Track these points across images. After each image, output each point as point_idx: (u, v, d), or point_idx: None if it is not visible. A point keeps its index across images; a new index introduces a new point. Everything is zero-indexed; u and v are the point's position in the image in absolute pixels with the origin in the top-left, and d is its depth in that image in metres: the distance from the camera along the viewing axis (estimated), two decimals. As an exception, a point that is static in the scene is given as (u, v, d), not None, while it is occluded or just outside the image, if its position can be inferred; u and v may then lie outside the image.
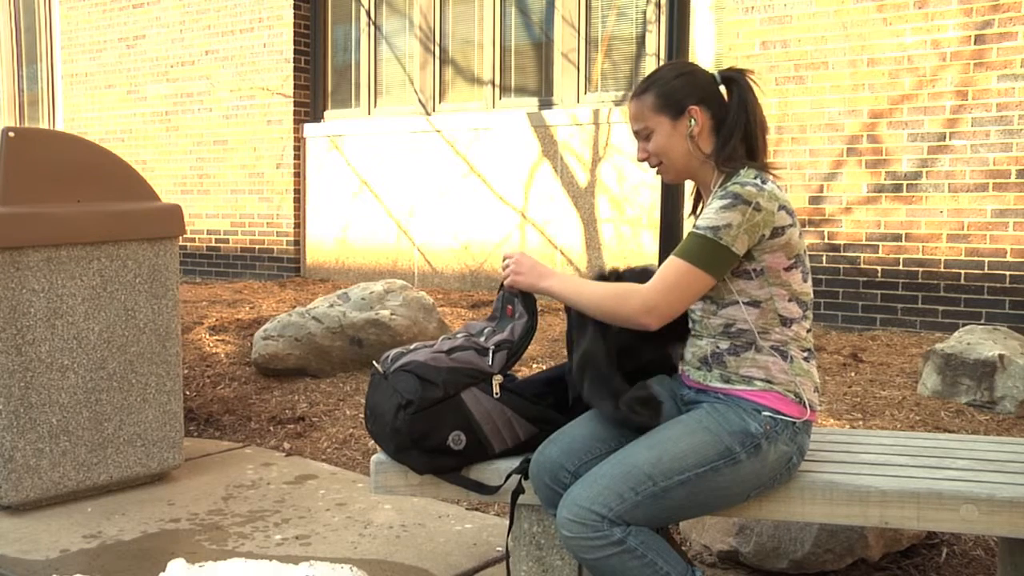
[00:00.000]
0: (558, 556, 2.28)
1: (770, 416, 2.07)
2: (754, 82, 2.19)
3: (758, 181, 2.08)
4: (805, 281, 2.14)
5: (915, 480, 2.12)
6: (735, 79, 2.18)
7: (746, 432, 2.05)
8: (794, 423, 2.09)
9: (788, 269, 2.10)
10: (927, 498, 2.06)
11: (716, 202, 2.05)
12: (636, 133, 2.21)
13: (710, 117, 2.17)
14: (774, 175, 2.18)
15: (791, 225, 2.08)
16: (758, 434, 2.05)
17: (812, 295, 2.18)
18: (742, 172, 2.12)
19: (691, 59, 5.74)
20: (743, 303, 2.10)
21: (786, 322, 2.11)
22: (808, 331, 2.16)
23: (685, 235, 2.10)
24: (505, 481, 2.25)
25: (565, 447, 2.14)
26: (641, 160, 2.23)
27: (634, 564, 1.99)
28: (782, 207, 2.07)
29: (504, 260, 2.30)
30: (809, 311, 2.16)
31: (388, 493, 2.36)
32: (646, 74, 2.21)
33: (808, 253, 2.17)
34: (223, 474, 3.69)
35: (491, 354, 2.31)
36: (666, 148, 2.18)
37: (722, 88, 2.20)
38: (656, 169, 2.23)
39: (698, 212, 2.28)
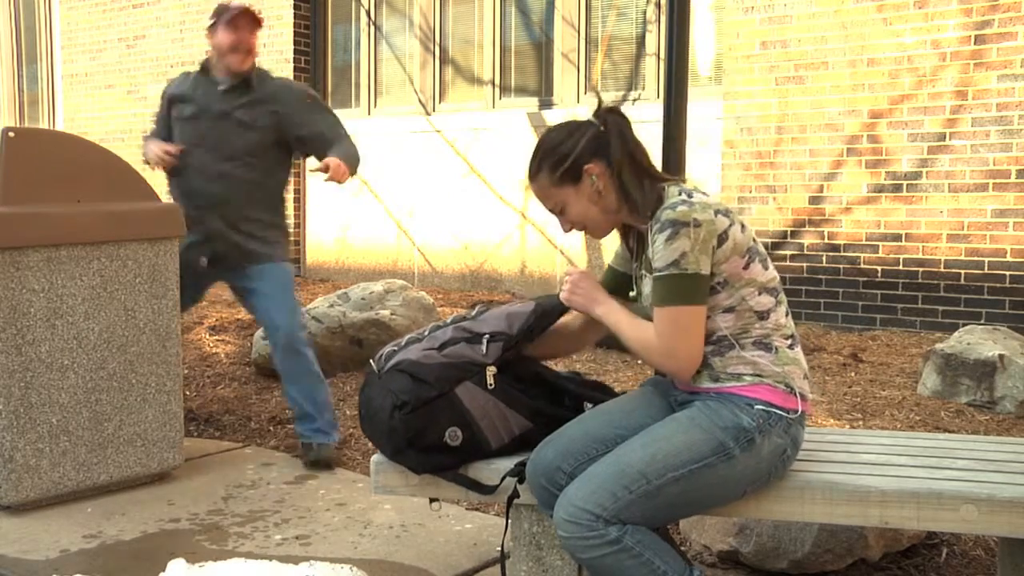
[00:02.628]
0: (558, 556, 2.28)
1: (763, 409, 2.07)
2: (623, 113, 2.21)
3: (683, 197, 2.08)
4: (767, 269, 2.14)
5: (915, 480, 2.12)
6: (609, 115, 2.18)
7: (739, 427, 2.05)
8: (787, 415, 2.09)
9: (746, 267, 2.10)
10: (927, 498, 2.06)
11: (658, 238, 2.05)
12: (551, 211, 2.23)
13: (607, 167, 2.16)
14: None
15: (731, 225, 2.08)
16: (751, 428, 2.05)
17: (778, 277, 2.18)
18: (665, 195, 2.13)
19: (691, 59, 5.74)
20: (716, 315, 2.11)
21: (763, 315, 2.12)
22: (787, 315, 2.16)
23: (647, 286, 2.12)
24: (501, 482, 2.25)
25: (561, 448, 2.14)
26: (567, 232, 2.26)
27: (631, 563, 1.99)
28: (716, 211, 2.06)
29: (565, 275, 2.31)
30: (781, 294, 2.16)
31: (388, 493, 2.36)
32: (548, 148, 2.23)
33: (758, 239, 2.16)
34: (223, 474, 3.69)
35: (485, 343, 2.30)
36: (584, 215, 2.20)
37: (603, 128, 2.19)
38: (585, 234, 2.27)
39: (638, 255, 2.28)
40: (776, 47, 5.83)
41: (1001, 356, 3.87)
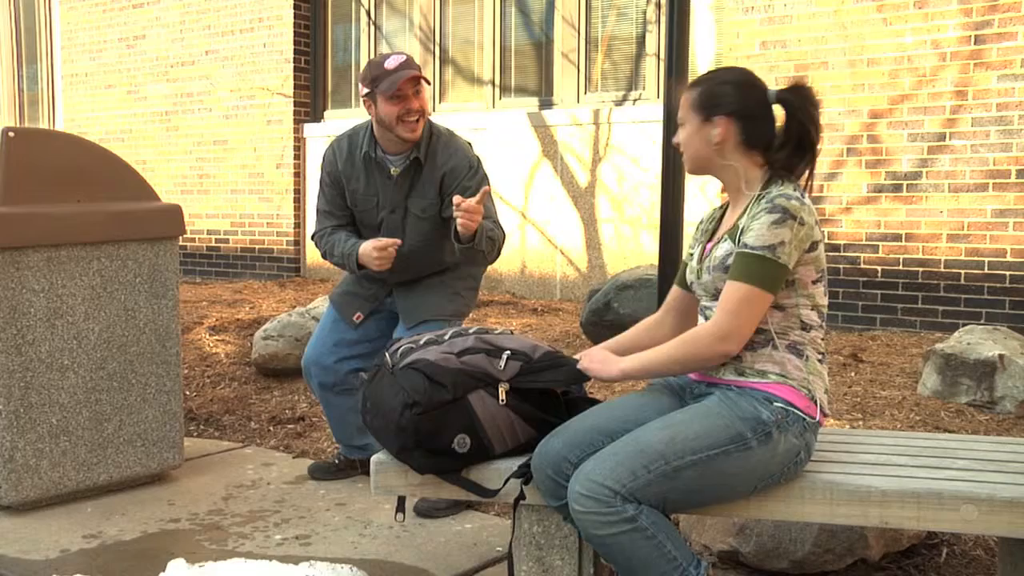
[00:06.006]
0: (558, 556, 2.28)
1: (782, 407, 2.11)
2: (811, 99, 2.20)
3: (797, 194, 2.13)
4: (825, 294, 2.21)
5: (915, 480, 2.13)
6: (788, 100, 2.19)
7: (758, 419, 2.08)
8: (804, 418, 2.12)
9: (815, 282, 2.17)
10: (927, 498, 2.06)
11: (764, 216, 2.08)
12: (677, 119, 2.29)
13: (739, 131, 2.19)
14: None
15: (820, 240, 2.15)
16: (770, 422, 2.09)
17: (827, 307, 2.24)
18: (782, 182, 2.17)
19: (691, 59, 5.74)
20: (768, 309, 2.15)
21: (805, 327, 2.18)
22: (823, 338, 2.22)
23: (736, 255, 2.12)
24: (503, 484, 2.25)
25: (568, 439, 2.16)
26: (673, 144, 2.32)
27: (644, 544, 2.01)
28: (816, 222, 2.14)
29: (580, 357, 2.33)
30: (824, 321, 2.22)
31: (388, 493, 2.36)
32: (704, 71, 2.31)
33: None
34: (223, 474, 3.69)
35: (504, 359, 2.30)
36: (686, 144, 2.25)
37: (777, 106, 2.22)
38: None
39: (734, 215, 2.27)
40: (776, 47, 5.83)
41: (1001, 356, 3.87)
